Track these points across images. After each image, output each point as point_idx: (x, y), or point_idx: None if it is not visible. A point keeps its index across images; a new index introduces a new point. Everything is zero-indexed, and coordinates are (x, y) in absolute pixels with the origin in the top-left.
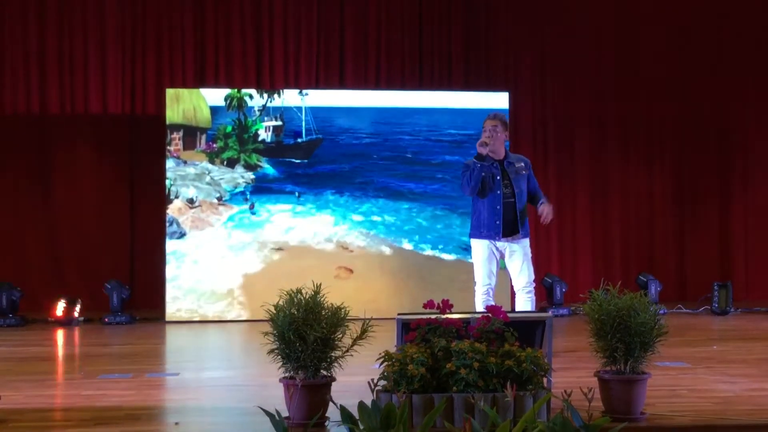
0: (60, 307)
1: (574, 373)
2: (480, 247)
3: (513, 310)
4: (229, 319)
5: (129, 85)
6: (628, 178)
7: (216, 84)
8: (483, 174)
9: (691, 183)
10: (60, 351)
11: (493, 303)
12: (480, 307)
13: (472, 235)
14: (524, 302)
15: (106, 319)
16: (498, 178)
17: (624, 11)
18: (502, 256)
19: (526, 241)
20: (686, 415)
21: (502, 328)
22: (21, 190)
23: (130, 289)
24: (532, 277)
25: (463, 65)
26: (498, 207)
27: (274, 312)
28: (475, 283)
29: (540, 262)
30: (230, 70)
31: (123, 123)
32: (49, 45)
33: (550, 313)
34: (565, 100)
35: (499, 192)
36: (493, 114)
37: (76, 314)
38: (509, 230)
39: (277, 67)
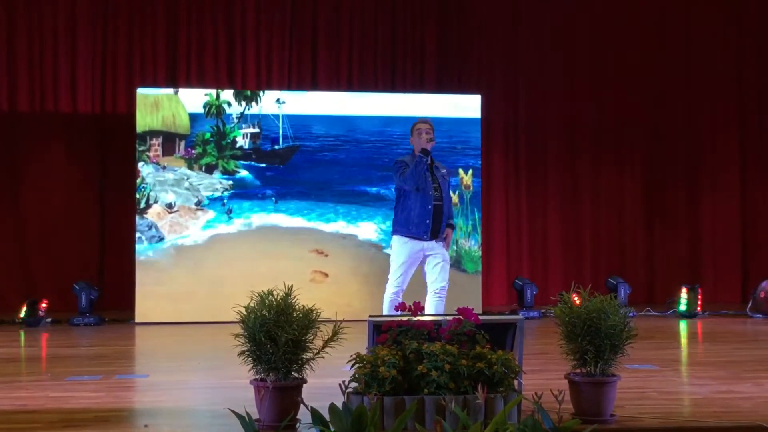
0: (27, 308)
1: (544, 376)
2: (404, 247)
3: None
4: (200, 320)
5: (99, 83)
6: (598, 181)
7: (188, 84)
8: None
9: (661, 187)
10: (27, 352)
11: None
12: (386, 306)
13: (397, 232)
14: (436, 303)
15: (75, 320)
16: (429, 177)
17: (597, 17)
18: (424, 259)
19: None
20: (655, 417)
21: (473, 331)
22: None
23: (99, 290)
24: (447, 280)
25: (436, 68)
26: (429, 207)
27: (245, 313)
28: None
29: (511, 265)
30: (202, 70)
31: (93, 122)
32: (19, 42)
33: (521, 316)
34: (537, 104)
35: (430, 192)
36: (424, 119)
37: (43, 315)
38: (436, 232)
39: (249, 67)
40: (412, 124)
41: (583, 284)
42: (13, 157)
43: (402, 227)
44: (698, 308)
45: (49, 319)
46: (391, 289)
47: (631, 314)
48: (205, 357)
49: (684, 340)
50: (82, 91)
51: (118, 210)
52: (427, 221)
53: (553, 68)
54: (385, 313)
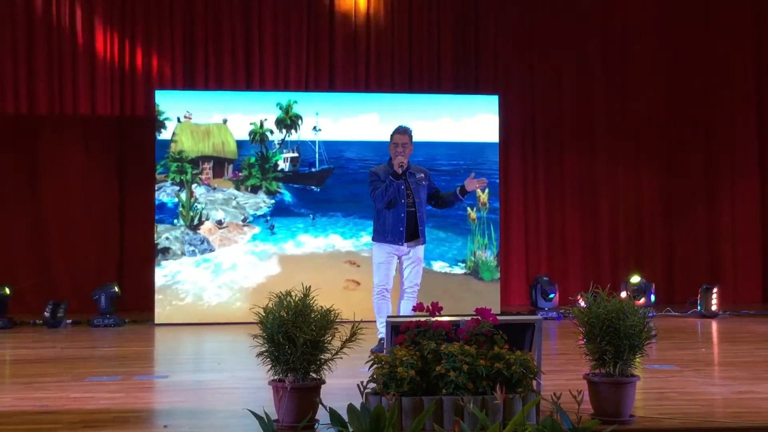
0: (48, 309)
1: (563, 376)
2: (382, 251)
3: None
4: (220, 321)
5: (118, 86)
6: (616, 180)
7: (205, 85)
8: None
9: (679, 185)
10: (48, 353)
11: (387, 303)
12: (375, 304)
13: (376, 239)
14: (405, 302)
15: (95, 322)
16: (402, 188)
17: (612, 16)
18: (401, 263)
19: (422, 248)
20: (675, 417)
21: (491, 331)
22: (9, 191)
23: (118, 292)
24: (418, 280)
25: (453, 69)
26: (402, 215)
27: (264, 314)
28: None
29: (530, 264)
30: (220, 72)
31: (112, 124)
32: (38, 45)
33: (539, 316)
34: (554, 103)
35: (403, 201)
36: (402, 128)
37: (64, 316)
38: (410, 236)
39: (267, 68)
40: (393, 130)
41: (602, 284)
42: (33, 159)
43: (379, 235)
44: (718, 308)
45: (69, 321)
46: (375, 290)
47: (650, 314)
48: (224, 358)
49: (704, 340)
50: (101, 93)
51: (138, 212)
52: (401, 228)
53: (569, 67)
54: (375, 311)
